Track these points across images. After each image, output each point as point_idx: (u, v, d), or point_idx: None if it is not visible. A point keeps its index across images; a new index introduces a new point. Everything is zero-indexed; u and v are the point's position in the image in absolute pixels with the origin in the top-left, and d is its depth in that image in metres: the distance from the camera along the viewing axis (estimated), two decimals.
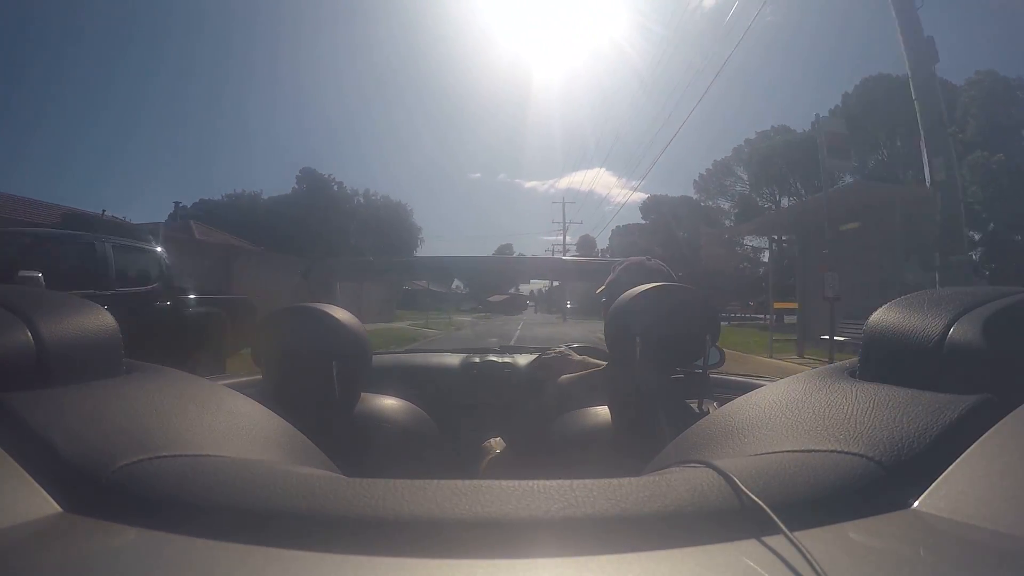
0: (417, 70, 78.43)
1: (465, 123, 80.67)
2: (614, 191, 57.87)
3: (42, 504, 0.36)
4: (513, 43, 70.01)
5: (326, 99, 76.12)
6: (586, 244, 39.55)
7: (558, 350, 1.42)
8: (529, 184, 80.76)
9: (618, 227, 43.39)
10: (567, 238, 40.67)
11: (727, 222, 34.24)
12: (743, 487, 0.35)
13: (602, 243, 42.22)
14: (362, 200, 44.67)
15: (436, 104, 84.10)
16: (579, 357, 1.32)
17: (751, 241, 32.07)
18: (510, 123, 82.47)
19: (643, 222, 40.55)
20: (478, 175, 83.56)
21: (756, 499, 0.33)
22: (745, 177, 34.25)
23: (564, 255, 35.65)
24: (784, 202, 31.54)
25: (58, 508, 0.36)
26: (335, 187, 43.61)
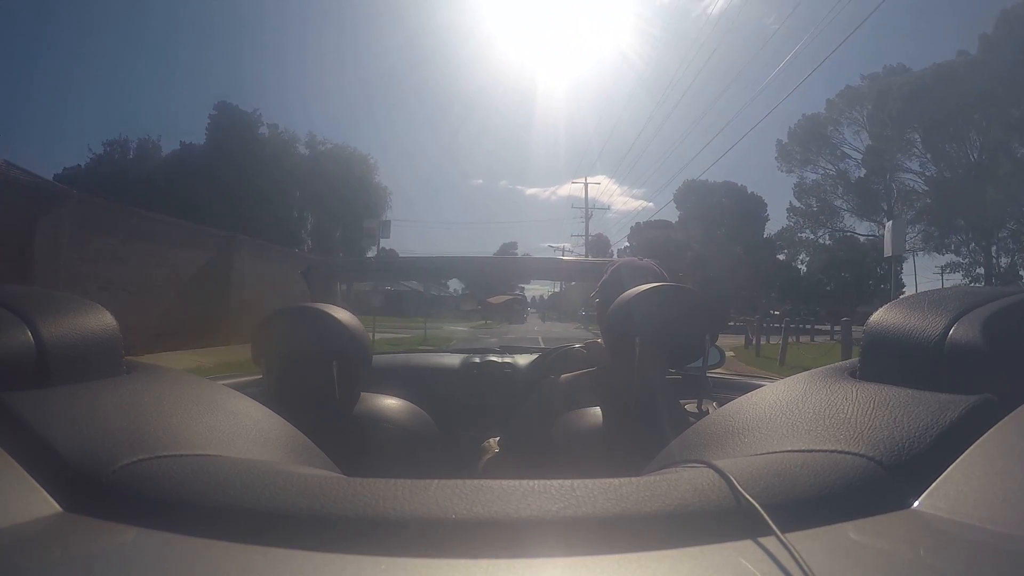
0: (420, 77, 76.83)
1: (468, 130, 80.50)
2: (616, 198, 57.23)
3: (42, 504, 0.36)
4: (517, 49, 70.02)
5: (321, 94, 73.23)
6: (599, 244, 37.47)
7: (594, 341, 1.41)
8: (531, 191, 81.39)
9: (637, 223, 39.94)
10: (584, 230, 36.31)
11: (812, 201, 27.28)
12: (739, 487, 0.35)
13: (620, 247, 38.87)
14: (305, 150, 31.75)
15: (439, 111, 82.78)
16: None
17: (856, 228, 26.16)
18: (513, 130, 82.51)
19: (670, 218, 37.07)
20: (480, 181, 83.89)
21: (751, 500, 0.33)
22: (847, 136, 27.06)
23: (586, 242, 34.44)
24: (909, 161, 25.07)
25: (58, 508, 0.36)
26: (264, 130, 30.09)
